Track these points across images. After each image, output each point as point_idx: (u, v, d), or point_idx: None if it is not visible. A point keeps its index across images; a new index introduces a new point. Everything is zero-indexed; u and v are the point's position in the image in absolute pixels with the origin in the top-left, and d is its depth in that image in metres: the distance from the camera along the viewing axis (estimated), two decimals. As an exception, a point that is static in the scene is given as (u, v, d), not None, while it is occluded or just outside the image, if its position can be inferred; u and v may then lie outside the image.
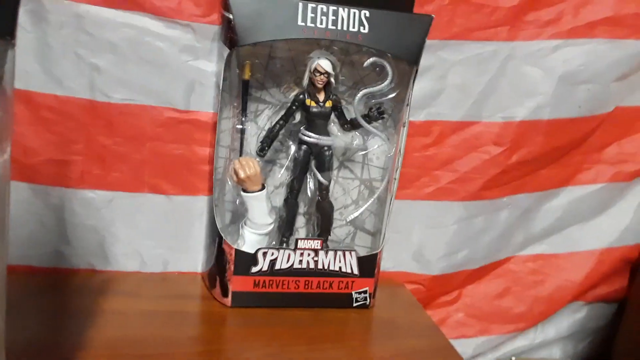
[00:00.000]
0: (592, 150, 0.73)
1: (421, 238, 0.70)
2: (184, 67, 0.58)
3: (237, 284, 0.57)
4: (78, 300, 0.57)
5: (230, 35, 0.52)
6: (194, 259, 0.64)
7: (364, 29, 0.53)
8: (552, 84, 0.67)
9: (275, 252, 0.57)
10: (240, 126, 0.59)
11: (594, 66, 0.67)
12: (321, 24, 0.52)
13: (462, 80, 0.65)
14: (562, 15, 0.65)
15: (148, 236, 0.62)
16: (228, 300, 0.58)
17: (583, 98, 0.68)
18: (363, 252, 0.61)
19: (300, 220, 0.64)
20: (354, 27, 0.53)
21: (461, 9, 0.61)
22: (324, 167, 0.60)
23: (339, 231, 0.66)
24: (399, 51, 0.55)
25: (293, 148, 0.60)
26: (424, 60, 0.60)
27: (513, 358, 0.78)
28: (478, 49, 0.64)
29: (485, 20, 0.63)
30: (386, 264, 0.68)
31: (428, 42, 0.57)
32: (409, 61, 0.57)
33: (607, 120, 0.72)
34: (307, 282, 0.58)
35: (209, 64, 0.58)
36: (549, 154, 0.70)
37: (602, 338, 0.84)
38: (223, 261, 0.57)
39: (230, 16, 0.51)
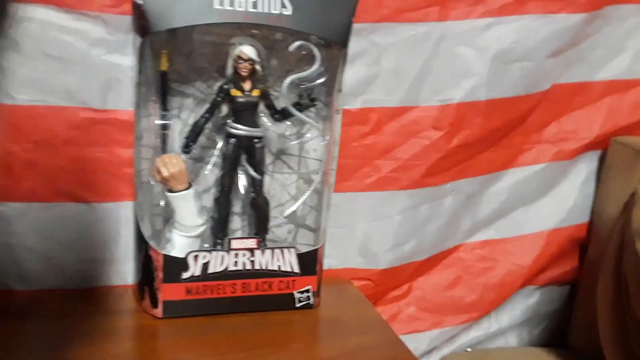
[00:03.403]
0: (532, 130, 0.72)
1: (366, 231, 0.67)
2: (97, 63, 0.53)
3: (167, 292, 0.53)
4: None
5: (141, 23, 0.48)
6: (123, 271, 0.59)
7: (287, 10, 0.50)
8: (487, 64, 0.65)
9: (207, 254, 0.53)
10: (161, 121, 0.54)
11: (527, 43, 0.66)
12: (240, 6, 0.48)
13: (396, 64, 0.63)
14: (491, -8, 0.64)
15: (69, 249, 0.57)
16: (159, 311, 0.53)
17: (518, 76, 0.67)
18: (304, 250, 0.57)
19: (236, 221, 0.60)
20: (275, 9, 0.50)
21: (387, -10, 0.59)
22: (255, 160, 0.56)
23: (279, 230, 0.62)
24: (326, 33, 0.52)
25: (221, 143, 0.57)
26: (356, 45, 0.58)
27: (468, 349, 0.76)
28: (410, 31, 0.62)
29: (415, 0, 0.61)
30: (332, 261, 0.65)
31: (358, 25, 0.55)
32: (337, 43, 0.54)
33: (545, 98, 0.71)
34: (244, 285, 0.55)
35: (124, 58, 0.54)
36: (489, 135, 0.69)
37: (556, 322, 0.83)
38: (151, 269, 0.53)
39: (140, 1, 0.47)
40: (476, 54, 0.65)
